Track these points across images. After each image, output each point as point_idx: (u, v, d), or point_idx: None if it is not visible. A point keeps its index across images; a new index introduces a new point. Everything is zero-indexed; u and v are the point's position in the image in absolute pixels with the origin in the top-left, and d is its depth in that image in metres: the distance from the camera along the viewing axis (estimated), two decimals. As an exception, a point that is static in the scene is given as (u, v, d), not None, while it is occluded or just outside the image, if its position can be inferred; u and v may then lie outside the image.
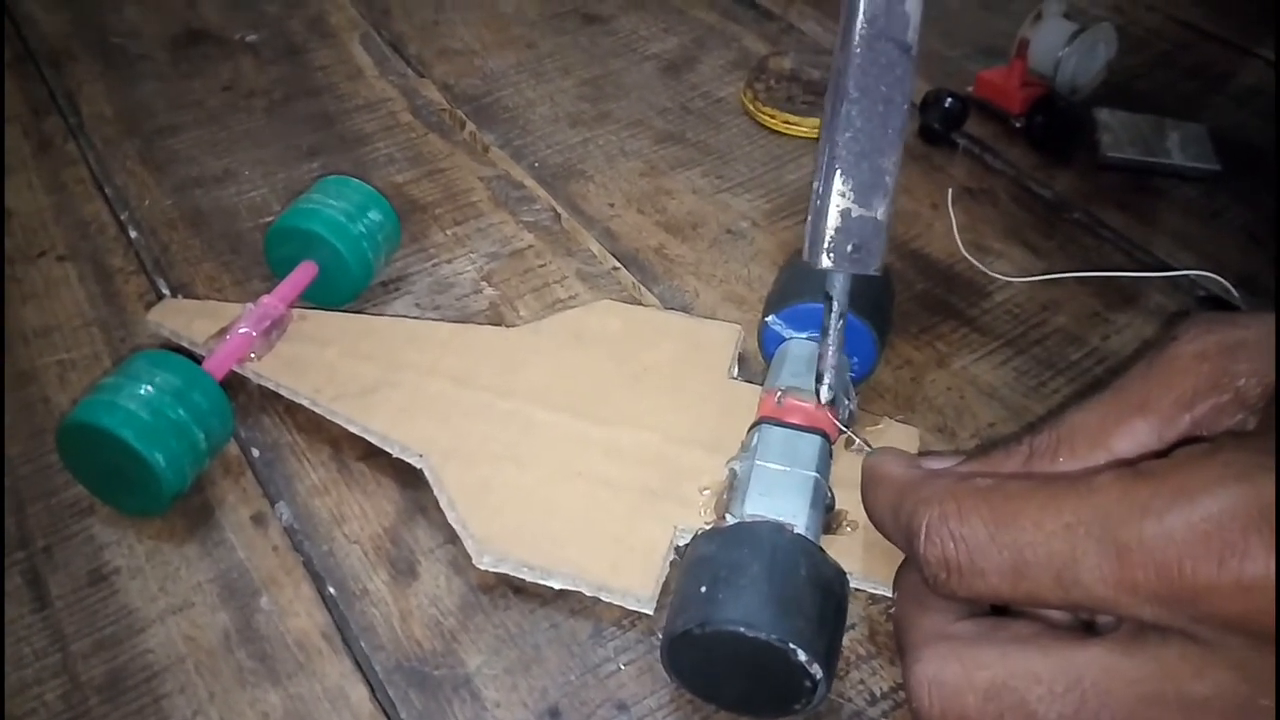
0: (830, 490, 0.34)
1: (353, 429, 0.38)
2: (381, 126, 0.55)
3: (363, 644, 0.34)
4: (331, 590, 0.35)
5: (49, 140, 0.54)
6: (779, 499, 0.33)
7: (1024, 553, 0.24)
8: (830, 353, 0.34)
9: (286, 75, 0.59)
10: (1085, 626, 0.28)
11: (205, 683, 0.33)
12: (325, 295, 0.43)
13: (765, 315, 0.39)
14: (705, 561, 0.31)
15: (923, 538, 0.26)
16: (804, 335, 0.38)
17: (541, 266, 0.47)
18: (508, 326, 0.43)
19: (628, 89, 0.58)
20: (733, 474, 0.35)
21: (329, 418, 0.38)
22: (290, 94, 0.57)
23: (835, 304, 0.33)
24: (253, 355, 0.40)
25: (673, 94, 0.57)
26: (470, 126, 0.55)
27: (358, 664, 0.33)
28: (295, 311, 0.42)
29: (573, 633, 0.34)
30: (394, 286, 0.46)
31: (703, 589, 0.30)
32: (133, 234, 0.49)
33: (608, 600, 0.33)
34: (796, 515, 0.32)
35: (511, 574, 0.34)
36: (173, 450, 0.35)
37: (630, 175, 0.52)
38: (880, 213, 0.32)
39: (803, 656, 0.29)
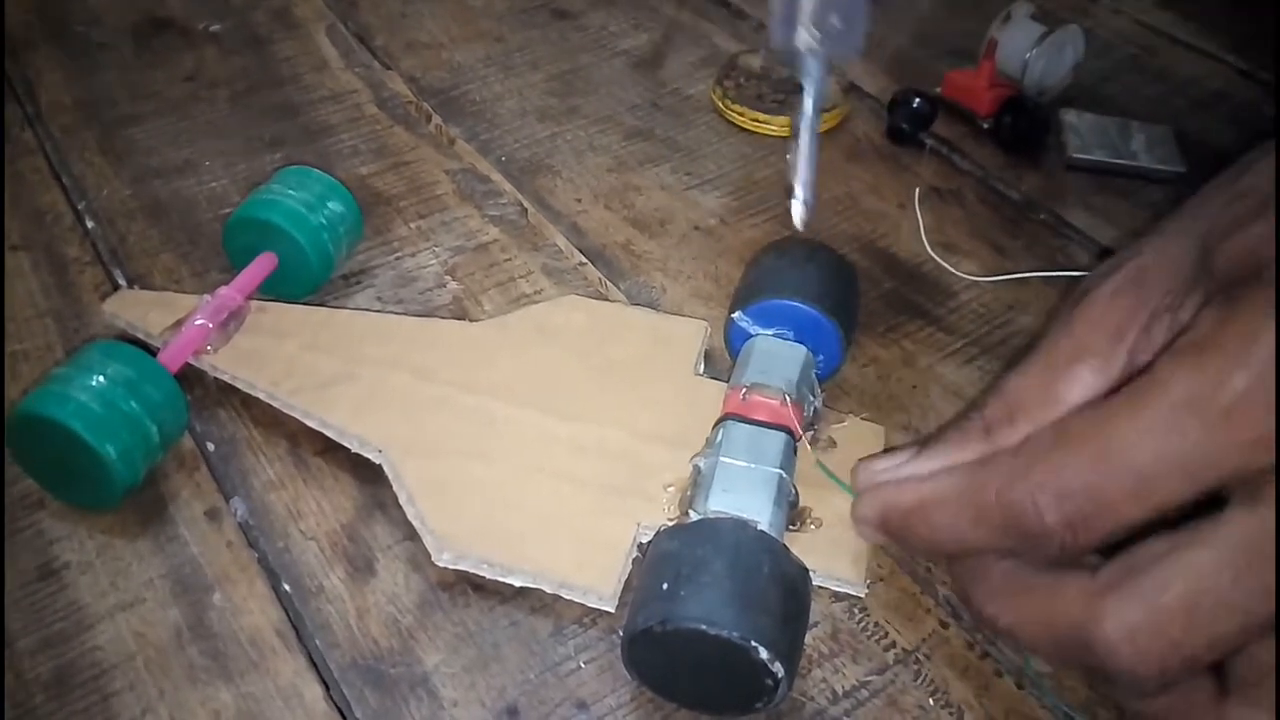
0: (794, 487, 0.34)
1: (310, 423, 0.37)
2: (346, 118, 0.54)
3: (318, 642, 0.33)
4: (286, 587, 0.34)
5: (5, 128, 0.53)
6: (742, 495, 0.33)
7: (1143, 469, 0.25)
8: (804, 158, 0.31)
9: (250, 66, 0.58)
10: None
11: (155, 680, 0.32)
12: (285, 287, 0.43)
13: (732, 311, 0.39)
14: (667, 558, 0.31)
15: (1032, 513, 0.26)
16: (770, 331, 0.38)
17: (507, 261, 0.46)
18: (471, 321, 0.43)
19: (597, 84, 0.57)
20: (696, 470, 0.34)
21: (287, 411, 0.37)
22: (254, 85, 0.56)
23: (811, 94, 0.30)
24: (209, 348, 0.39)
25: (642, 90, 0.57)
26: (436, 119, 0.54)
27: (312, 662, 0.33)
28: (253, 304, 0.41)
29: (533, 630, 0.33)
30: (356, 280, 0.45)
31: (664, 586, 0.30)
32: (90, 224, 0.48)
33: (569, 598, 0.33)
34: (760, 512, 0.32)
35: (471, 571, 0.33)
36: (124, 442, 0.34)
37: (598, 171, 0.51)
38: None
39: (764, 655, 0.28)
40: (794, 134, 0.31)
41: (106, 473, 0.34)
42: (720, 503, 0.32)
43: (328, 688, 0.32)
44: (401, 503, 0.35)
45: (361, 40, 0.60)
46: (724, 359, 0.40)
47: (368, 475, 0.37)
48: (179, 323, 0.39)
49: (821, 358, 0.38)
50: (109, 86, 0.56)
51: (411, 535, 0.35)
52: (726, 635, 0.28)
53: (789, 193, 0.32)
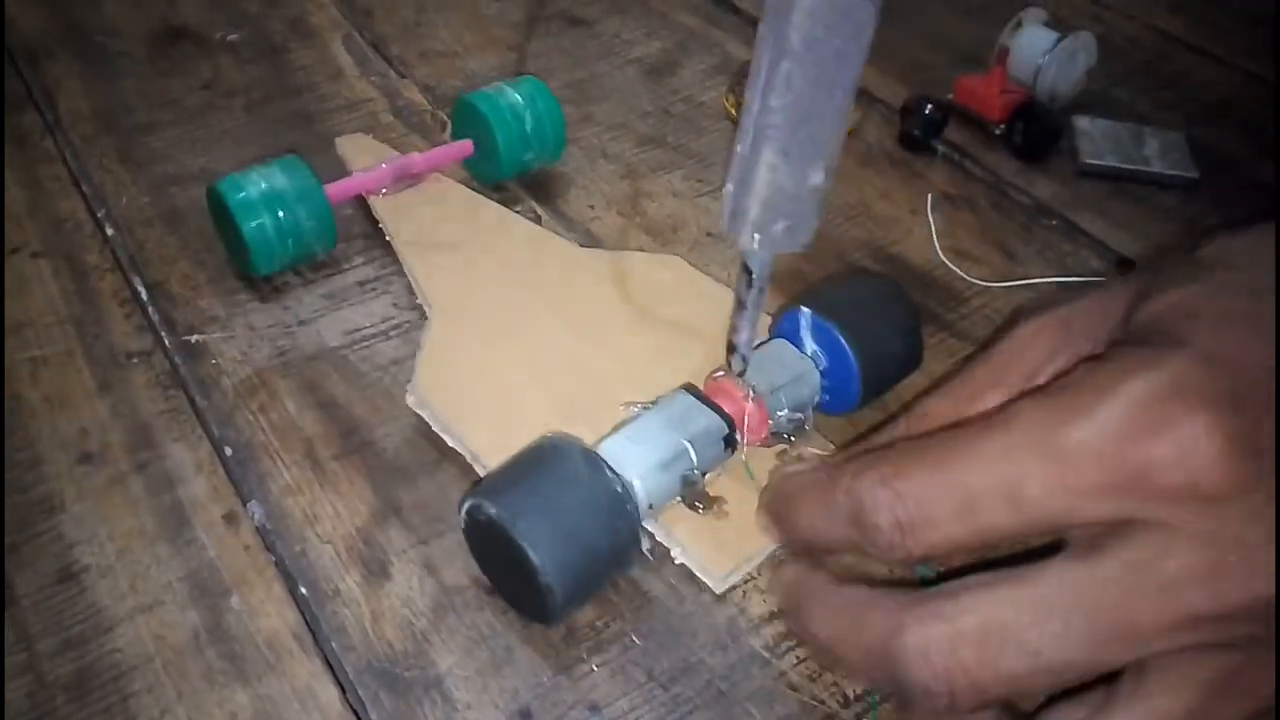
0: (698, 470, 0.34)
1: (405, 269, 0.45)
2: (362, 126, 0.55)
3: (333, 644, 0.33)
4: (303, 590, 0.35)
5: (25, 136, 0.54)
6: (636, 447, 0.33)
7: (971, 487, 0.25)
8: (744, 328, 0.33)
9: (266, 74, 0.58)
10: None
11: (174, 682, 0.32)
12: (479, 171, 0.51)
13: (804, 301, 0.38)
14: None
15: (869, 507, 0.26)
16: (809, 345, 0.37)
17: (520, 268, 0.47)
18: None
19: (610, 92, 0.58)
20: (631, 416, 0.36)
21: (398, 257, 0.46)
22: (270, 93, 0.57)
23: (755, 278, 0.31)
24: (383, 191, 0.48)
25: (655, 97, 0.57)
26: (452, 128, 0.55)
27: (328, 664, 0.33)
28: (434, 175, 0.49)
29: (545, 634, 0.34)
30: (371, 286, 0.45)
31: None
32: (109, 231, 0.48)
33: (478, 470, 0.37)
34: (639, 466, 0.33)
35: (422, 416, 0.38)
36: (254, 200, 0.43)
37: (611, 177, 0.52)
38: (816, 182, 0.28)
39: (487, 506, 0.31)
40: (739, 304, 0.32)
41: (237, 223, 0.43)
42: (615, 446, 0.34)
43: (343, 690, 0.32)
44: (418, 354, 0.41)
45: (377, 49, 0.61)
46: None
47: (383, 479, 0.38)
48: (368, 168, 0.48)
49: (828, 398, 0.38)
50: (127, 95, 0.57)
51: (426, 539, 0.36)
52: (491, 511, 0.31)
53: (730, 347, 0.34)
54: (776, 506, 0.31)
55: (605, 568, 0.32)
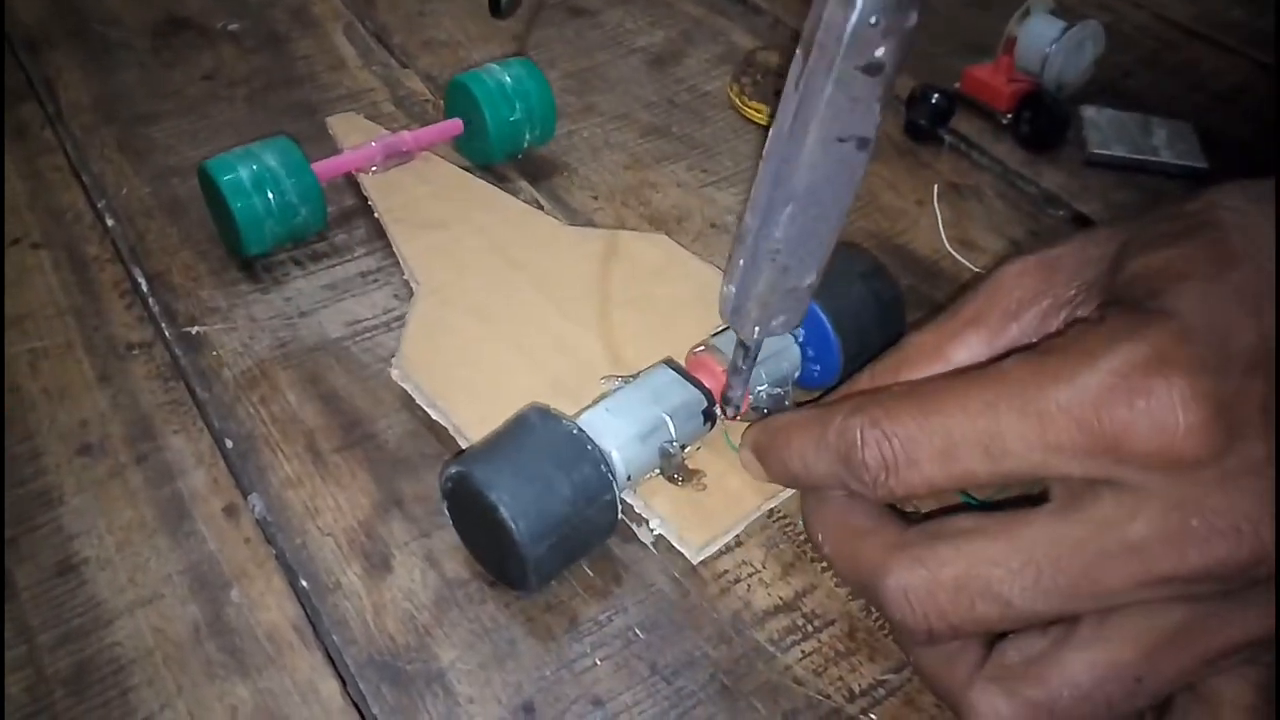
0: (676, 444, 0.35)
1: (393, 246, 0.45)
2: (364, 117, 0.54)
3: (335, 638, 0.33)
4: (304, 583, 0.34)
5: (25, 127, 0.53)
6: (615, 419, 0.34)
7: (953, 434, 0.26)
8: (738, 385, 0.34)
9: (268, 64, 0.58)
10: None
11: (174, 676, 0.32)
12: (469, 150, 0.51)
13: None
14: None
15: (860, 444, 0.28)
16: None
17: (523, 259, 0.46)
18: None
19: (613, 82, 0.57)
20: (611, 390, 0.36)
21: (386, 234, 0.46)
22: (271, 83, 0.57)
23: (750, 351, 0.33)
24: (373, 169, 0.48)
25: (659, 87, 0.57)
26: (453, 118, 0.54)
27: (329, 658, 0.33)
28: (424, 153, 0.50)
29: (548, 628, 0.33)
30: (373, 277, 0.45)
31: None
32: (109, 222, 0.48)
33: (458, 440, 0.37)
34: (618, 437, 0.33)
35: (406, 389, 0.39)
36: (239, 173, 0.43)
37: (614, 168, 0.51)
38: (809, 283, 0.31)
39: (450, 469, 0.32)
40: (734, 368, 0.34)
41: (226, 200, 0.43)
42: (593, 417, 0.34)
43: (344, 683, 0.32)
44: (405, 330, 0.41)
45: (379, 39, 0.60)
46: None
47: (384, 472, 0.37)
48: (358, 146, 0.49)
49: (817, 369, 0.38)
50: (128, 85, 0.56)
51: (427, 532, 0.35)
52: (453, 470, 0.32)
53: (724, 399, 0.35)
54: (766, 439, 0.32)
55: (574, 508, 0.32)
